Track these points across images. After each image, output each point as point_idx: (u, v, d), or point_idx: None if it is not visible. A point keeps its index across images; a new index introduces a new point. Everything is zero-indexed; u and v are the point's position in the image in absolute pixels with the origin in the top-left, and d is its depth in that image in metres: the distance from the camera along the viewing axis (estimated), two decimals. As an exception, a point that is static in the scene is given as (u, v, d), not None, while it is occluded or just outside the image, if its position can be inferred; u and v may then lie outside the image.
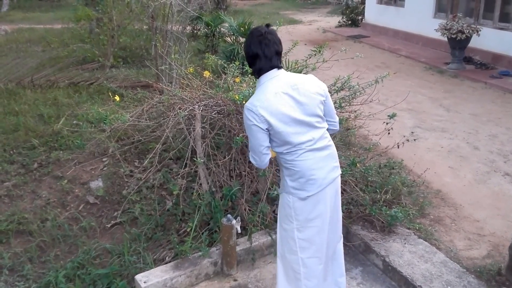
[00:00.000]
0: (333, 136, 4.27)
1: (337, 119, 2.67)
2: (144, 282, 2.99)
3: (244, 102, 3.31)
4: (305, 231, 2.54)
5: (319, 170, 2.46)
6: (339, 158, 3.93)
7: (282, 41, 2.46)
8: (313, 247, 2.58)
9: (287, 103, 2.36)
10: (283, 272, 2.71)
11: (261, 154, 2.38)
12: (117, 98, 4.38)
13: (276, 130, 2.35)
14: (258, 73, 2.43)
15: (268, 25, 2.47)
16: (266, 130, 2.34)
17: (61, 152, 4.67)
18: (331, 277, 2.81)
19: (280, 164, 2.54)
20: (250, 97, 2.46)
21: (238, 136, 3.46)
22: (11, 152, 4.71)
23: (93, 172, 4.40)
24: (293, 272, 2.64)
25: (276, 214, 2.81)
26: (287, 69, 4.66)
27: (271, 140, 2.43)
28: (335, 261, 2.80)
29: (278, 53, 2.42)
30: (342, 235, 2.84)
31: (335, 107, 4.13)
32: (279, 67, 2.43)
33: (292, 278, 2.67)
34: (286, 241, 2.62)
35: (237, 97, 3.54)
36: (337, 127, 2.70)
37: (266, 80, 2.40)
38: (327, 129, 2.57)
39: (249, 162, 3.25)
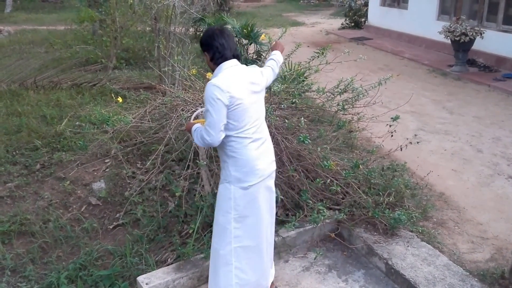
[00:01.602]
0: (336, 138, 4.29)
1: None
2: (146, 284, 2.98)
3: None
4: (242, 221, 2.66)
5: (261, 161, 2.65)
6: (342, 160, 3.98)
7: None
8: (248, 239, 2.70)
9: (246, 88, 2.56)
10: (213, 270, 2.77)
11: (218, 131, 2.49)
12: (119, 99, 4.39)
13: (237, 107, 2.49)
14: (219, 61, 2.60)
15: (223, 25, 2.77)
16: (227, 107, 2.48)
17: (64, 153, 4.68)
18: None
19: (224, 155, 2.65)
20: None
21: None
22: (14, 153, 4.73)
23: (95, 173, 4.41)
24: (225, 265, 2.70)
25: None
26: (289, 70, 4.66)
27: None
28: (268, 254, 2.90)
29: (236, 46, 2.69)
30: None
31: (338, 109, 4.14)
32: (238, 58, 2.66)
33: (223, 273, 2.72)
34: (220, 236, 2.71)
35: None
36: None
37: (227, 67, 2.58)
38: None
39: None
